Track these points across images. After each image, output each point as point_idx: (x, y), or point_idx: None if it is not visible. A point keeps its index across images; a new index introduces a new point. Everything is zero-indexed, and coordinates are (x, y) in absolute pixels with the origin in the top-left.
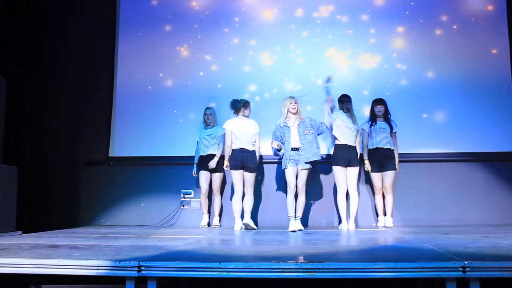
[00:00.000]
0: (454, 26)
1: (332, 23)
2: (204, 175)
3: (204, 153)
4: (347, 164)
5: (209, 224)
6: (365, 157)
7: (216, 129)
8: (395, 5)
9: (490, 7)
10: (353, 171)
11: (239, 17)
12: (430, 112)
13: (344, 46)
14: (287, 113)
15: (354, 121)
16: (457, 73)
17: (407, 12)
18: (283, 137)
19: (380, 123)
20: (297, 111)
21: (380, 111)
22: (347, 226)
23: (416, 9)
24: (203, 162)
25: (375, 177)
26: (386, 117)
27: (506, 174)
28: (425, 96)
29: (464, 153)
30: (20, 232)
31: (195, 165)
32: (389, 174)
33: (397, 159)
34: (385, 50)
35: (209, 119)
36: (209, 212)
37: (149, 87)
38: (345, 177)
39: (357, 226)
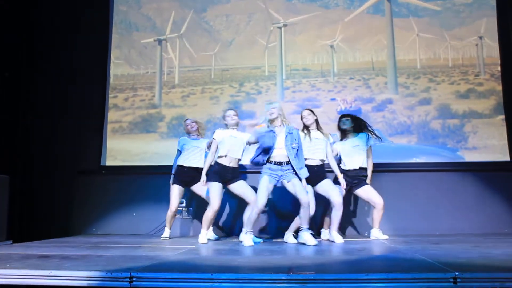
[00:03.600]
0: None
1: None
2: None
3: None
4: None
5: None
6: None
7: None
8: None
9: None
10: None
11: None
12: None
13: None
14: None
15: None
16: (448, 83)
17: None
18: (263, 143)
19: (353, 140)
20: (276, 117)
21: (345, 124)
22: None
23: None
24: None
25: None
26: (359, 129)
27: (497, 184)
28: (415, 108)
29: (456, 163)
30: (11, 241)
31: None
32: (367, 188)
33: (370, 173)
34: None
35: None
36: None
37: (141, 97)
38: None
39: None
